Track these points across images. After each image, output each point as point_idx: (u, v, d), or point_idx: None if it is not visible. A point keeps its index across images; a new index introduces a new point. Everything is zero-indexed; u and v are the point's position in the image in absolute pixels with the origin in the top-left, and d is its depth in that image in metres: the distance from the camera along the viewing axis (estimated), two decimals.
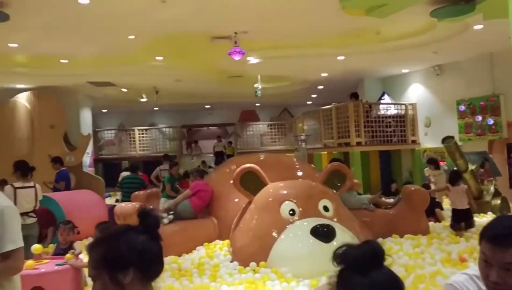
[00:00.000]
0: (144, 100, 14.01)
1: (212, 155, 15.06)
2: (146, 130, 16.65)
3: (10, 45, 8.18)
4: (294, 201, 5.08)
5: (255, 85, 12.18)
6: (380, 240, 5.63)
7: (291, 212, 4.98)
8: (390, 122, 11.70)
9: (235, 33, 7.90)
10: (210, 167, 12.56)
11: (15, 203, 4.97)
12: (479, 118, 10.30)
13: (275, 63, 10.75)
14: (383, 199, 7.42)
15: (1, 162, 10.79)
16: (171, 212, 6.06)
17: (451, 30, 8.27)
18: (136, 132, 16.34)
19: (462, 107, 10.70)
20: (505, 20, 4.28)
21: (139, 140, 16.32)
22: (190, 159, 15.97)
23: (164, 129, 17.07)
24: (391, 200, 7.39)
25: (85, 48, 8.73)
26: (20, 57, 9.32)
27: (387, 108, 12.23)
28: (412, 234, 5.85)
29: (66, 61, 9.59)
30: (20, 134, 11.35)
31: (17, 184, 5.25)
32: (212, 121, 18.66)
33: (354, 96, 11.89)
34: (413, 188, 6.41)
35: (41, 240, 5.46)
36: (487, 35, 8.49)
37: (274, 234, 4.84)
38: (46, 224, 6.33)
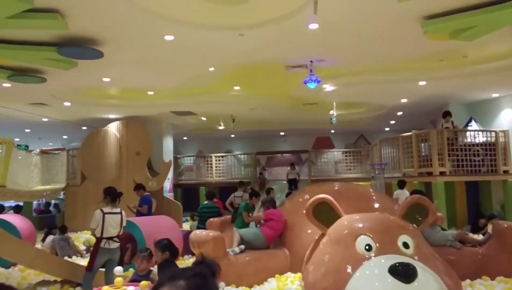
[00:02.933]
0: (221, 127, 14.51)
1: (285, 182, 15.01)
2: (222, 156, 17.15)
3: (104, 79, 9.00)
4: (371, 235, 4.81)
5: (330, 112, 12.05)
6: (467, 282, 5.13)
7: (367, 247, 4.71)
8: (478, 151, 10.81)
9: (311, 61, 7.93)
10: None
11: (102, 227, 5.32)
12: None
13: (351, 90, 10.57)
14: (471, 235, 6.78)
15: (93, 184, 11.79)
16: (243, 241, 6.06)
17: None
18: (213, 158, 16.90)
19: None
20: None
21: (216, 166, 16.83)
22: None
23: (239, 155, 17.46)
24: (480, 237, 6.73)
25: (169, 80, 9.32)
26: (112, 90, 10.21)
27: (475, 135, 11.34)
28: (504, 276, 5.25)
29: (152, 92, 10.30)
30: (109, 160, 12.32)
31: (106, 209, 5.48)
32: (286, 148, 18.71)
33: (447, 114, 11.20)
34: (505, 225, 5.78)
35: (121, 263, 5.72)
36: None
37: (349, 270, 4.60)
38: (125, 250, 6.69)
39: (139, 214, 8.62)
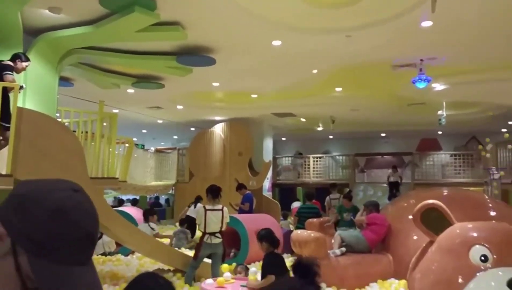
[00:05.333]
0: (320, 128, 14.49)
1: (385, 185, 14.42)
2: (320, 157, 17.10)
3: (214, 84, 9.62)
4: (487, 245, 4.47)
5: (439, 113, 11.33)
6: None
7: (482, 258, 4.39)
8: None
9: (421, 60, 7.57)
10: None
11: (205, 223, 5.68)
12: None
13: (464, 89, 9.83)
14: None
15: (199, 181, 12.63)
16: (344, 243, 6.03)
17: None
18: (311, 159, 16.93)
19: None
20: None
21: (313, 167, 16.84)
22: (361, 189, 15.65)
23: (337, 157, 17.24)
24: None
25: (272, 84, 9.61)
26: (219, 94, 10.85)
27: None
28: None
29: (256, 95, 10.71)
30: (214, 159, 13.09)
31: (208, 206, 5.77)
32: (387, 150, 17.99)
33: None
34: None
35: (224, 258, 6.04)
36: None
37: (460, 281, 4.34)
38: (230, 243, 7.06)
39: (241, 211, 9.04)
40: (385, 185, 14.45)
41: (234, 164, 12.74)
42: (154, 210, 9.46)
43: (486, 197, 7.27)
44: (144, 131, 16.51)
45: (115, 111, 11.27)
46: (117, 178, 6.79)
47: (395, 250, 5.89)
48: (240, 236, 7.20)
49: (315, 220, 7.95)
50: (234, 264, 6.18)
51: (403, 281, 5.26)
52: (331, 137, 17.94)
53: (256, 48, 7.16)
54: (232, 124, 13.33)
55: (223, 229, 5.80)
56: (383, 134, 17.55)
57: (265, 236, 4.67)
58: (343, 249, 5.92)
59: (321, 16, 5.78)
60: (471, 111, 12.31)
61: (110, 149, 6.68)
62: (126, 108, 11.96)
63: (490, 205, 6.30)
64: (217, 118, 13.78)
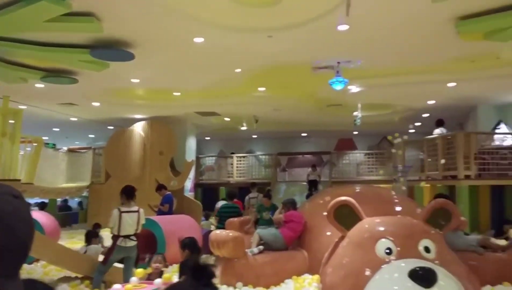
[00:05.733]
0: (244, 128, 14.58)
1: (305, 183, 14.93)
2: (243, 157, 17.22)
3: (133, 80, 9.21)
4: (392, 239, 4.74)
5: (355, 114, 11.95)
6: (488, 287, 5.00)
7: (387, 251, 4.65)
8: (506, 154, 10.50)
9: (338, 62, 7.89)
10: None
11: (119, 225, 5.41)
12: None
13: (378, 91, 10.46)
14: (494, 241, 6.58)
15: (117, 182, 12.03)
16: (262, 241, 6.09)
17: None
18: (235, 158, 16.99)
19: None
20: None
21: (237, 167, 16.91)
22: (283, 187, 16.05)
23: (260, 156, 17.50)
24: (503, 243, 6.55)
25: (195, 82, 9.45)
26: (139, 91, 10.43)
27: (503, 138, 11.02)
28: None
29: (179, 93, 10.46)
30: (133, 159, 12.57)
31: (123, 208, 5.54)
32: (308, 149, 18.64)
33: (440, 123, 11.08)
34: None
35: (137, 262, 5.80)
36: None
37: (368, 273, 4.55)
38: (145, 246, 6.79)
39: (160, 213, 8.77)
40: (305, 183, 14.94)
41: (154, 164, 12.35)
42: (95, 232, 8.38)
43: (393, 193, 7.76)
44: (56, 129, 15.40)
45: (23, 107, 10.37)
46: (19, 180, 6.23)
47: (310, 246, 6.07)
48: (157, 239, 6.96)
49: (235, 219, 7.96)
50: (149, 268, 5.94)
51: (316, 276, 5.43)
52: (254, 136, 18.16)
53: (177, 44, 6.98)
54: (154, 122, 12.92)
55: (138, 231, 5.59)
56: (304, 134, 18.15)
57: (189, 245, 4.59)
58: (261, 247, 5.98)
59: (243, 15, 5.78)
60: (383, 112, 13.16)
61: (14, 149, 6.09)
62: (35, 104, 11.04)
63: (396, 200, 6.75)
64: (138, 116, 13.26)
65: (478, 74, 8.85)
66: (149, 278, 4.61)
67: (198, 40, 6.71)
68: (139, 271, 4.58)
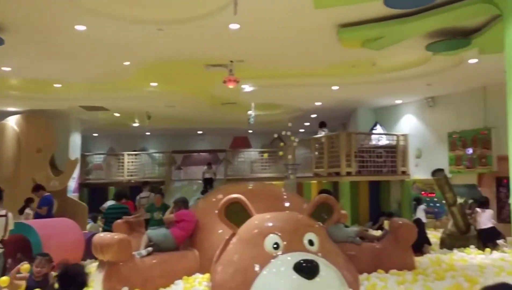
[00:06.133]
0: (136, 124, 13.95)
1: (201, 181, 14.85)
2: (135, 155, 16.48)
3: (4, 68, 8.16)
4: (279, 234, 4.90)
5: (249, 112, 12.17)
6: (365, 275, 5.46)
7: (275, 246, 4.79)
8: (381, 153, 11.66)
9: (231, 61, 7.92)
10: None
11: None
12: (470, 151, 10.29)
13: (269, 91, 10.78)
14: (371, 232, 7.25)
15: None
16: (151, 243, 5.85)
17: (445, 63, 8.37)
18: (126, 157, 16.16)
19: (453, 139, 10.70)
20: (500, 54, 4.30)
21: (128, 165, 16.13)
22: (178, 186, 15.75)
23: (154, 154, 16.91)
24: (380, 233, 7.24)
25: (79, 73, 8.73)
26: (13, 81, 9.32)
27: (379, 138, 12.22)
28: (397, 269, 5.69)
29: (59, 85, 9.57)
30: (6, 157, 11.18)
31: None
32: (204, 147, 18.57)
33: (323, 125, 12.02)
34: (400, 222, 6.27)
35: (5, 271, 5.15)
36: (481, 69, 8.59)
37: (256, 268, 4.64)
38: (15, 253, 6.08)
39: (38, 216, 7.92)
40: (201, 181, 14.84)
41: (31, 162, 11.09)
42: None
43: (283, 190, 8.07)
44: None
45: None
46: None
47: (201, 245, 5.99)
48: (32, 245, 6.25)
49: (123, 220, 7.52)
50: (26, 266, 5.25)
51: (207, 275, 5.38)
52: (148, 133, 17.50)
53: (56, 31, 6.35)
54: (30, 116, 11.61)
55: (6, 237, 4.98)
56: (199, 132, 18.03)
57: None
58: (150, 249, 5.73)
59: (129, 4, 5.46)
60: (275, 112, 13.66)
61: None
62: None
63: (285, 197, 7.02)
64: (11, 109, 11.84)
65: (358, 79, 9.65)
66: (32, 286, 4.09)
67: (80, 28, 6.19)
68: (4, 279, 4.03)
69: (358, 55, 7.72)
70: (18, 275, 4.43)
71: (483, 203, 7.75)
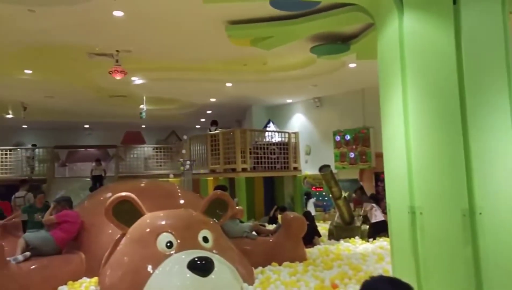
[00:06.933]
0: (10, 116, 12.45)
1: (89, 179, 13.82)
2: (10, 150, 14.70)
3: None
4: (173, 232, 4.76)
5: (140, 106, 11.65)
6: (259, 269, 5.60)
7: (168, 245, 4.65)
8: (274, 149, 12.11)
9: (117, 51, 7.44)
10: None
11: None
12: (352, 148, 11.23)
13: (161, 85, 10.42)
14: (266, 226, 7.48)
15: None
16: (30, 247, 5.26)
17: (329, 66, 8.93)
18: None
19: (338, 138, 11.57)
20: (375, 60, 4.66)
21: (2, 162, 14.32)
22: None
23: (35, 150, 15.27)
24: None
25: None
26: None
27: (272, 135, 12.68)
28: (290, 261, 5.94)
29: None
30: None
31: None
32: (91, 142, 17.35)
33: (214, 123, 12.27)
34: (292, 215, 6.56)
35: None
36: (359, 72, 9.36)
37: (149, 269, 4.45)
38: None
39: None
40: (89, 179, 13.82)
41: None
42: None
43: (177, 187, 7.89)
44: None
45: None
46: None
47: (88, 247, 5.58)
48: None
49: None
50: None
51: (95, 279, 5.03)
52: (25, 126, 15.73)
53: None
54: None
55: None
56: (86, 126, 16.79)
57: None
58: (27, 253, 5.17)
59: None
60: (169, 107, 13.31)
61: None
62: None
63: (180, 194, 6.87)
64: None
65: (251, 77, 9.85)
66: None
67: None
68: None
69: (250, 53, 7.82)
70: None
71: (377, 199, 8.57)
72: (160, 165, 15.93)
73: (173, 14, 5.98)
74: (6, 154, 14.47)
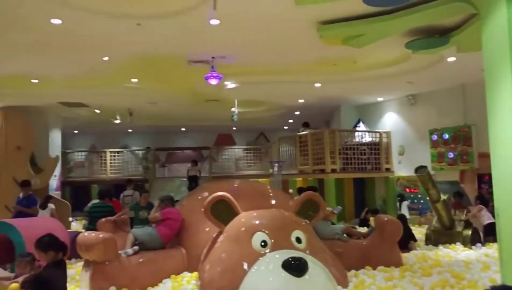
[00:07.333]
0: (117, 121, 13.74)
1: (185, 179, 14.73)
2: (118, 152, 16.25)
3: None
4: (266, 232, 4.90)
5: (232, 109, 12.13)
6: (352, 272, 5.50)
7: (262, 244, 4.79)
8: (365, 150, 11.77)
9: (213, 57, 7.84)
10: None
11: None
12: (451, 147, 10.48)
13: (252, 88, 10.74)
14: (358, 229, 7.32)
15: None
16: (137, 241, 5.77)
17: (425, 61, 8.46)
18: (108, 154, 15.92)
19: (435, 137, 10.88)
20: (478, 52, 4.36)
21: (111, 163, 15.89)
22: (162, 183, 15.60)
23: (137, 151, 16.71)
24: (366, 230, 7.31)
25: (57, 68, 8.51)
26: None
27: (362, 135, 12.33)
28: (384, 266, 5.74)
29: (37, 81, 9.32)
30: None
31: None
32: (187, 144, 18.43)
33: (305, 125, 12.10)
34: (386, 218, 6.34)
35: None
36: (460, 67, 8.72)
37: (245, 267, 4.63)
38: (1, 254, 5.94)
39: (18, 215, 7.73)
40: (185, 179, 14.73)
41: (11, 160, 10.80)
42: None
43: (268, 187, 8.06)
44: None
45: None
46: None
47: (188, 243, 5.95)
48: (15, 245, 6.09)
49: (108, 219, 7.40)
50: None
51: (195, 274, 5.34)
52: (130, 130, 17.27)
53: (31, 24, 6.15)
54: (7, 113, 11.28)
55: None
56: (183, 129, 17.88)
57: (50, 244, 3.97)
58: (136, 247, 5.66)
59: None
60: (259, 109, 13.63)
61: None
62: None
63: (271, 194, 7.01)
64: None
65: (340, 76, 9.70)
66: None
67: (56, 21, 6.02)
68: (13, 286, 3.92)
69: (340, 53, 7.74)
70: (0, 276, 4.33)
71: (485, 201, 7.99)
72: (250, 166, 16.39)
73: (266, 18, 6.15)
74: (114, 156, 16.02)
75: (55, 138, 13.09)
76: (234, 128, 17.82)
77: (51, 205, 8.96)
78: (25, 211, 7.80)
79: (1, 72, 8.65)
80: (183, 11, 5.82)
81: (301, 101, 12.56)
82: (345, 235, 6.31)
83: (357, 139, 12.24)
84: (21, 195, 8.13)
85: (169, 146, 17.75)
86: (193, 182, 13.88)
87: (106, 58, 7.89)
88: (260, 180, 13.46)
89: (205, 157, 16.94)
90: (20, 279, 3.93)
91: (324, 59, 8.24)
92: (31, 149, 11.21)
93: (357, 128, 12.87)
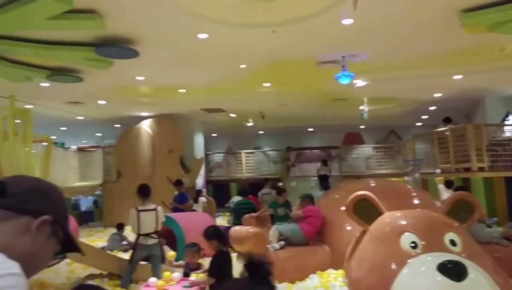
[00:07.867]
0: (250, 124, 14.55)
1: (315, 178, 14.91)
2: (252, 153, 17.21)
3: (138, 78, 9.15)
4: (415, 232, 4.72)
5: (361, 107, 11.90)
6: None
7: (412, 245, 4.63)
8: None
9: (343, 57, 7.84)
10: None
11: (138, 224, 5.41)
12: None
13: (383, 85, 10.41)
14: None
15: (128, 180, 12.04)
16: (282, 237, 6.08)
17: None
18: (243, 155, 16.98)
19: None
20: None
21: (246, 163, 16.91)
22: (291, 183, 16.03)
23: (269, 151, 17.49)
24: None
25: (200, 78, 9.40)
26: (144, 88, 10.38)
27: None
28: None
29: (184, 90, 10.42)
30: (143, 157, 12.56)
31: (140, 207, 5.51)
32: (315, 144, 18.62)
33: (447, 120, 11.06)
34: None
35: (164, 259, 5.79)
36: None
37: (394, 267, 4.53)
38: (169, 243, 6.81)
39: (174, 210, 8.78)
40: (315, 178, 14.92)
41: (164, 162, 12.32)
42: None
43: (409, 186, 7.73)
44: (63, 128, 15.38)
45: (29, 106, 10.33)
46: None
47: (330, 241, 6.05)
48: (176, 236, 6.96)
49: (252, 215, 7.93)
50: (171, 254, 5.90)
51: (341, 271, 5.41)
52: (261, 132, 18.14)
53: (181, 40, 6.93)
54: (160, 120, 12.89)
55: (159, 229, 5.57)
56: (310, 129, 18.12)
57: (213, 234, 4.50)
58: (282, 242, 5.96)
59: (246, 10, 5.72)
60: (389, 106, 13.12)
61: (26, 149, 6.07)
62: (40, 103, 10.98)
63: (413, 194, 6.72)
64: (144, 114, 13.24)
65: (484, 66, 8.81)
66: (187, 274, 4.59)
67: (202, 36, 6.66)
68: (171, 254, 4.61)
69: (484, 41, 7.08)
70: (175, 263, 5.00)
71: None
72: (381, 165, 15.84)
73: (403, 10, 5.94)
74: (248, 156, 17.02)
75: (199, 141, 14.47)
76: (362, 127, 17.43)
77: (203, 199, 9.91)
78: (180, 207, 8.82)
79: (155, 84, 9.89)
80: (316, 14, 5.94)
81: (437, 95, 11.73)
82: (504, 239, 5.74)
83: (507, 134, 10.93)
84: (176, 192, 9.21)
85: (297, 146, 18.17)
86: (323, 181, 13.98)
87: (243, 66, 8.46)
88: (393, 179, 12.93)
89: (333, 156, 16.91)
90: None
91: (465, 49, 7.61)
92: (181, 151, 12.60)
93: (507, 122, 11.50)
